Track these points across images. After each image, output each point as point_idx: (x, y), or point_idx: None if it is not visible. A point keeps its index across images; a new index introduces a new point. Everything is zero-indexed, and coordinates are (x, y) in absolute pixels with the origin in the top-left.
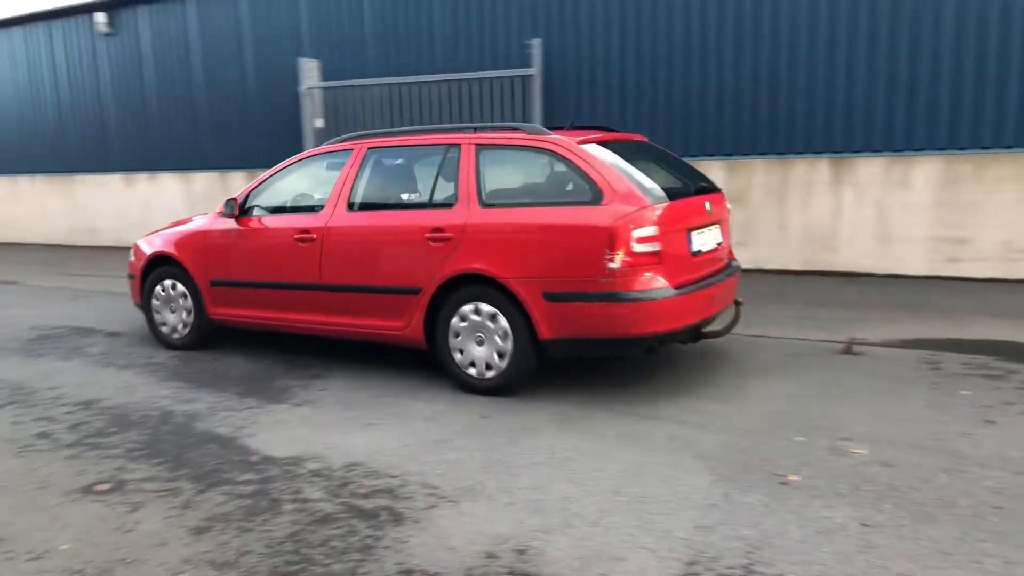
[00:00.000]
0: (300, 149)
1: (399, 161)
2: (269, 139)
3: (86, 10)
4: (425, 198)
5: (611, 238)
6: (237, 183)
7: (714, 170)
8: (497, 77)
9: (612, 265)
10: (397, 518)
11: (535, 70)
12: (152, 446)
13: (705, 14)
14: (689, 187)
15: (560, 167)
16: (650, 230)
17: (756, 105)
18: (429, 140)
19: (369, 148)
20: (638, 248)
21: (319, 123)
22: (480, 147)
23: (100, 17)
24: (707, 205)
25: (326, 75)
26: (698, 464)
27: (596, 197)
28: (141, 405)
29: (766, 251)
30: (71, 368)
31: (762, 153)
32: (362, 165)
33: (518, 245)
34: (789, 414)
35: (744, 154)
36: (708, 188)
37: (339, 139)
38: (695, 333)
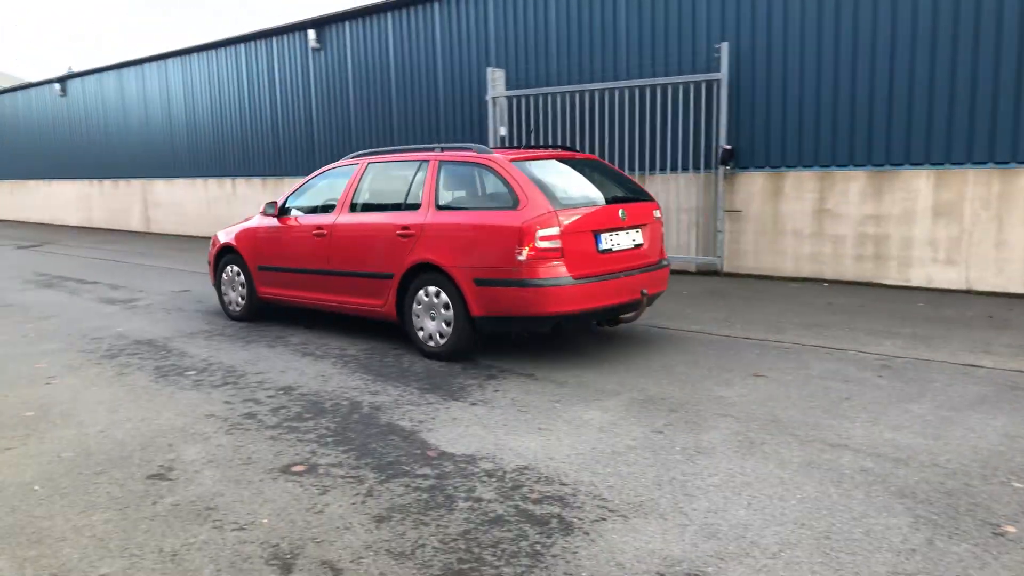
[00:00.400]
0: None
1: (389, 173)
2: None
3: (300, 27)
4: (401, 202)
5: (520, 236)
6: None
7: (918, 181)
8: (683, 82)
9: (520, 257)
10: (567, 527)
11: (722, 74)
12: (341, 434)
13: (917, 12)
14: (606, 197)
15: (494, 179)
16: (553, 231)
17: (975, 109)
18: (409, 157)
19: (368, 163)
20: (541, 244)
21: (502, 131)
22: (441, 162)
23: (311, 33)
24: (621, 213)
25: (511, 83)
26: (895, 503)
27: (515, 203)
28: (333, 394)
29: (979, 271)
30: (275, 355)
31: (979, 162)
32: (362, 176)
33: (458, 240)
34: (1005, 455)
35: (956, 163)
36: (631, 198)
37: (350, 156)
38: (609, 317)
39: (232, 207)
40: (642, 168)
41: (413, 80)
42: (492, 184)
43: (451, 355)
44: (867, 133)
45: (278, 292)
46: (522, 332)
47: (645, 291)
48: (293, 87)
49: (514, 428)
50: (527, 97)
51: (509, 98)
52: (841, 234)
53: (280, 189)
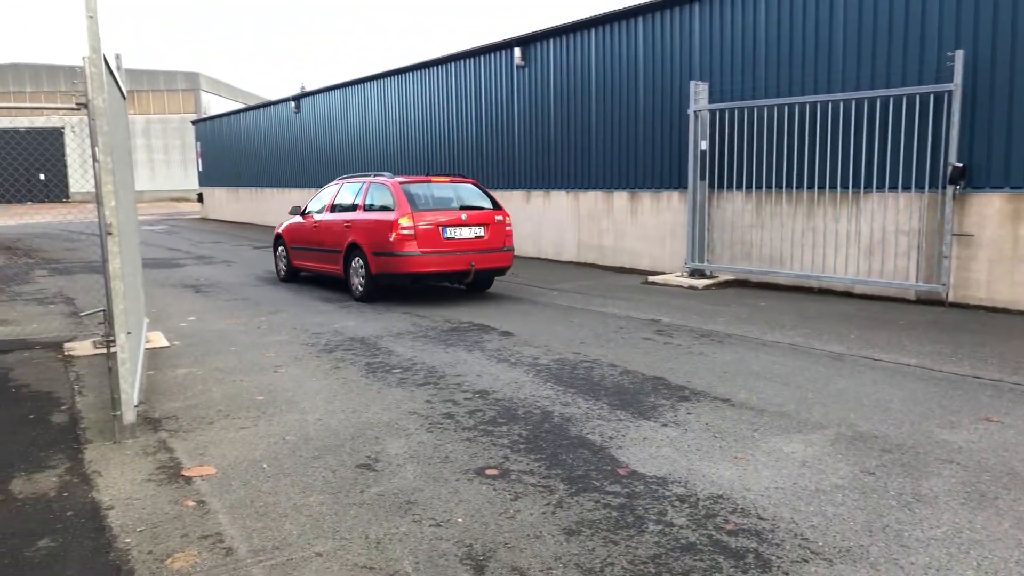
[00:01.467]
0: (683, 171)
1: (351, 186)
2: (653, 161)
3: (506, 46)
4: (349, 205)
5: (391, 226)
6: (621, 203)
7: None
8: (907, 94)
9: (391, 239)
10: (764, 565)
11: (955, 85)
12: (532, 441)
13: None
14: (458, 206)
15: (388, 194)
16: (409, 225)
17: None
18: (359, 180)
19: (343, 183)
20: (403, 232)
21: (703, 145)
22: (371, 183)
23: (517, 51)
24: (463, 216)
25: (714, 96)
26: None
27: (393, 208)
28: (525, 402)
29: None
30: (473, 359)
31: None
32: (339, 190)
33: (367, 229)
34: None
35: None
36: (478, 208)
37: (339, 178)
38: (451, 280)
39: None
40: (856, 186)
41: (613, 95)
42: (387, 197)
43: (365, 298)
44: None
45: (301, 263)
46: (397, 285)
47: (473, 264)
48: (497, 103)
49: (708, 454)
50: (731, 110)
51: (712, 111)
52: None
53: None
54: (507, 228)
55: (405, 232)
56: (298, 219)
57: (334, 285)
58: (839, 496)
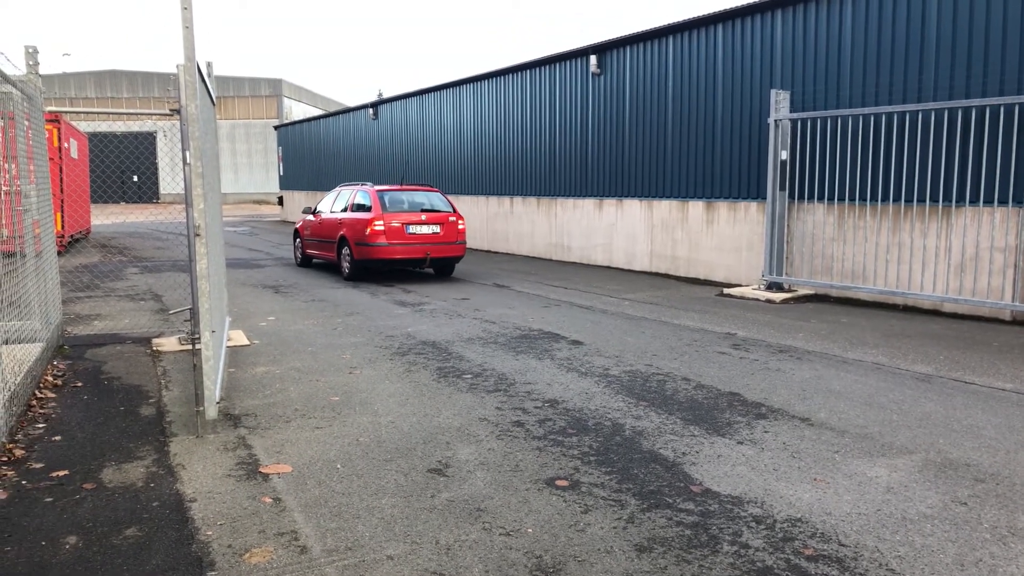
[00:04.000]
0: (761, 181)
1: (347, 191)
2: (730, 170)
3: (582, 53)
4: (345, 207)
5: (368, 224)
6: (696, 212)
7: None
8: (1006, 103)
9: (367, 233)
10: None
11: None
12: (603, 454)
13: None
14: (420, 208)
15: (368, 198)
16: (381, 223)
17: None
18: (352, 186)
19: (341, 188)
20: (376, 228)
21: (783, 155)
22: (358, 190)
23: (593, 59)
24: (423, 216)
25: (796, 106)
26: None
27: (370, 210)
28: (596, 413)
29: None
30: (543, 367)
31: None
32: (338, 195)
33: (351, 225)
34: None
35: None
36: (436, 210)
37: (340, 185)
38: (411, 266)
39: (508, 224)
40: (946, 199)
41: (690, 103)
42: (367, 200)
43: (351, 278)
44: None
45: (310, 252)
46: (373, 268)
47: (429, 253)
48: (572, 111)
49: (786, 475)
50: (814, 120)
51: (793, 121)
52: None
53: (552, 210)
54: (460, 227)
55: (378, 229)
56: (310, 217)
57: (409, 290)
58: (928, 526)
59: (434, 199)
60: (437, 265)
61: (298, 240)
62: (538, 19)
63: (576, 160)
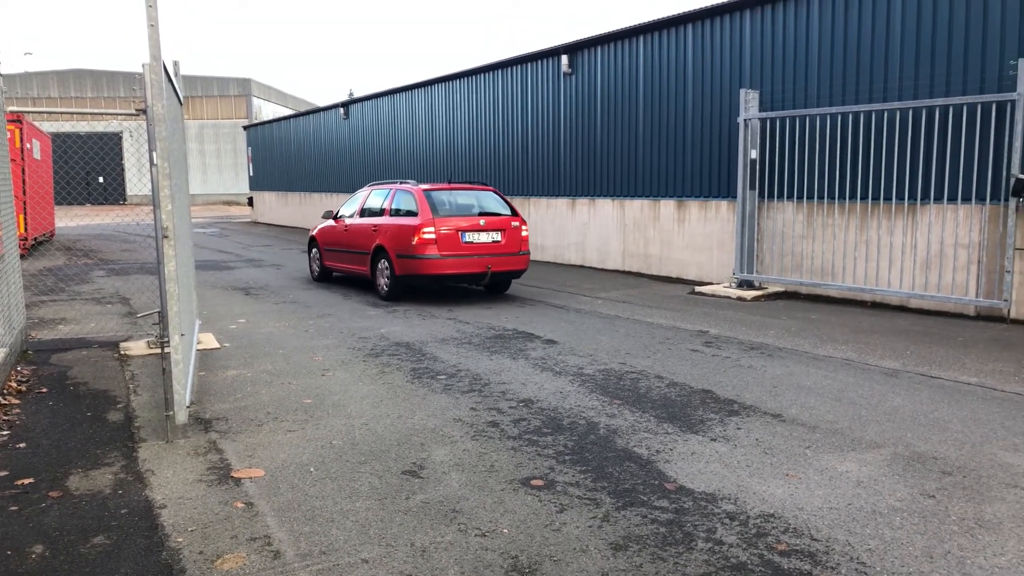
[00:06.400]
0: (732, 180)
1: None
2: (700, 169)
3: (553, 53)
4: (377, 210)
5: (414, 231)
6: (667, 211)
7: None
8: (967, 103)
9: (414, 242)
10: None
11: (1018, 94)
12: (578, 453)
13: None
14: (477, 212)
15: (412, 200)
16: (430, 229)
17: None
18: (387, 186)
19: (372, 189)
20: (424, 236)
21: (753, 154)
22: (397, 190)
23: (564, 59)
24: (481, 221)
25: (765, 105)
26: None
27: (416, 214)
28: (571, 412)
29: None
30: (517, 367)
31: None
32: (368, 196)
33: (392, 233)
34: None
35: None
36: (496, 214)
37: (368, 185)
38: (468, 281)
39: None
40: (912, 197)
41: (661, 102)
42: (412, 203)
43: (390, 297)
44: None
45: (333, 264)
46: (419, 285)
47: (490, 267)
48: (544, 111)
49: (758, 471)
50: (783, 119)
51: (763, 120)
52: None
53: (525, 209)
54: (523, 234)
55: (427, 237)
56: (330, 223)
57: (369, 287)
58: (897, 519)
59: (489, 200)
60: (497, 280)
61: (315, 250)
62: (528, 19)
63: (548, 159)
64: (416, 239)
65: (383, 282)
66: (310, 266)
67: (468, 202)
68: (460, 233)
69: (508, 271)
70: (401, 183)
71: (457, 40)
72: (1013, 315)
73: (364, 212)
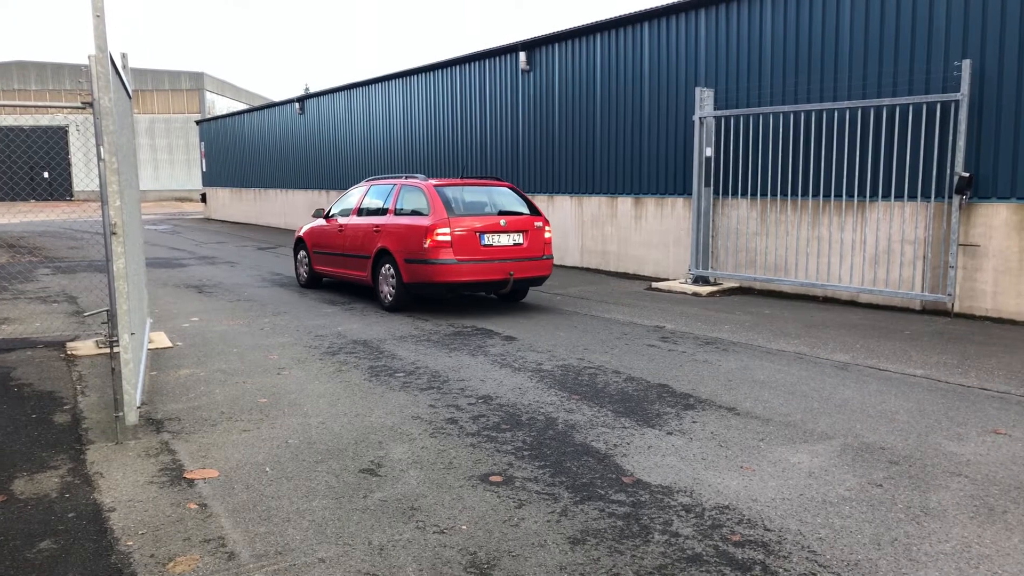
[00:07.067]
0: (688, 178)
1: (380, 188)
2: (657, 167)
3: (512, 50)
4: (379, 209)
5: (425, 232)
6: (625, 208)
7: None
8: (914, 103)
9: (425, 245)
10: None
11: (962, 95)
12: (536, 448)
13: None
14: (496, 211)
15: (422, 197)
16: (445, 230)
17: None
18: (390, 181)
19: (371, 184)
20: (438, 238)
21: (708, 152)
22: (402, 186)
23: (522, 55)
24: (502, 222)
25: (720, 103)
26: None
27: (427, 213)
28: (529, 408)
29: None
30: (476, 364)
31: None
32: (366, 193)
33: (398, 235)
34: None
35: None
36: (516, 213)
37: (365, 180)
38: (486, 289)
39: None
40: (861, 195)
41: (618, 100)
42: (421, 200)
43: (394, 308)
44: None
45: (324, 268)
46: (431, 295)
47: (512, 273)
48: (502, 107)
49: (713, 463)
50: (737, 117)
51: (718, 118)
52: None
53: None
54: (547, 235)
55: (441, 239)
56: (321, 222)
57: (341, 288)
58: (847, 508)
59: (507, 197)
60: (517, 288)
61: (302, 253)
62: (466, 17)
63: (507, 156)
64: (428, 241)
65: (387, 290)
66: (296, 270)
67: (482, 199)
68: (479, 235)
69: (531, 277)
70: (407, 177)
71: (418, 34)
72: (957, 309)
73: (363, 211)
